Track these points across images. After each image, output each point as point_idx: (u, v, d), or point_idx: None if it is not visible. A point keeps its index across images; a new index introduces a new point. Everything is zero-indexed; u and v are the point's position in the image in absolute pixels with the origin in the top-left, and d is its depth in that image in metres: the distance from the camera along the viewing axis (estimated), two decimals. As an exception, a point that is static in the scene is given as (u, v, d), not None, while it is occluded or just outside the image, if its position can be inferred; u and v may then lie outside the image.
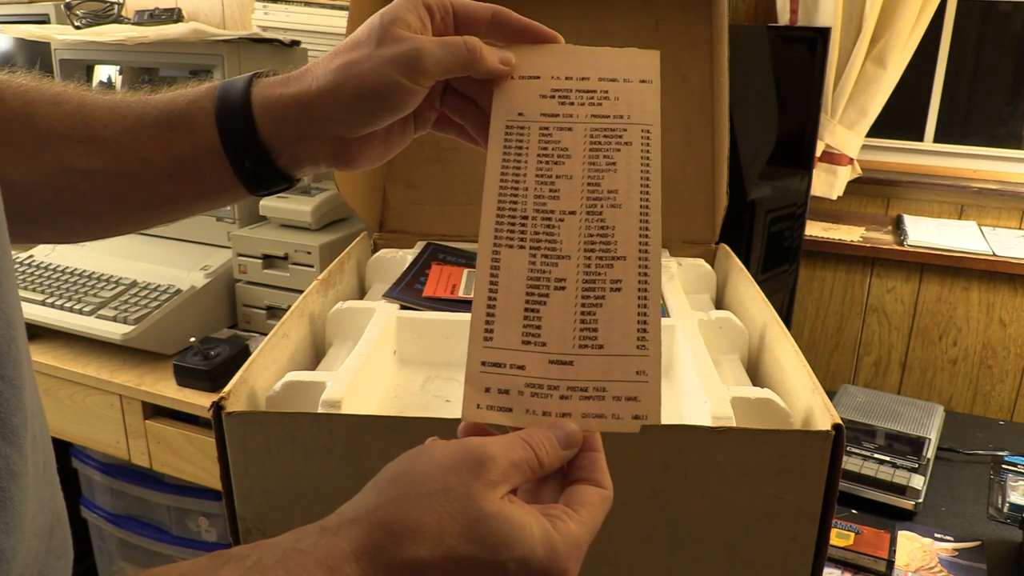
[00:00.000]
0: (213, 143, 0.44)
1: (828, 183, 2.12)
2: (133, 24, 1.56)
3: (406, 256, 0.91)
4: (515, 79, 0.46)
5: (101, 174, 0.45)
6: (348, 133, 0.45)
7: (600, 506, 0.37)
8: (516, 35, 0.47)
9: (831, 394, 1.30)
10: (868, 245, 2.07)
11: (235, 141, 0.44)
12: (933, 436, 1.17)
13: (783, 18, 2.00)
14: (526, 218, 0.43)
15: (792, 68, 1.63)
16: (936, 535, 0.99)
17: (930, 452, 1.13)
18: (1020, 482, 1.11)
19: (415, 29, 0.44)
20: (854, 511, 1.04)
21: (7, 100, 0.45)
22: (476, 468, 0.35)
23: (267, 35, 1.37)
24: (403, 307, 0.79)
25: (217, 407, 0.54)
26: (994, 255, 1.98)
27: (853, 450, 1.11)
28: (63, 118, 0.45)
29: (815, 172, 1.97)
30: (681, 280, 0.87)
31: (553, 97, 0.46)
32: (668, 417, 0.66)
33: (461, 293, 0.83)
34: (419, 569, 0.33)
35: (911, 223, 2.15)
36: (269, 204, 1.31)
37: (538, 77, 0.47)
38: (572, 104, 0.46)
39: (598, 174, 0.44)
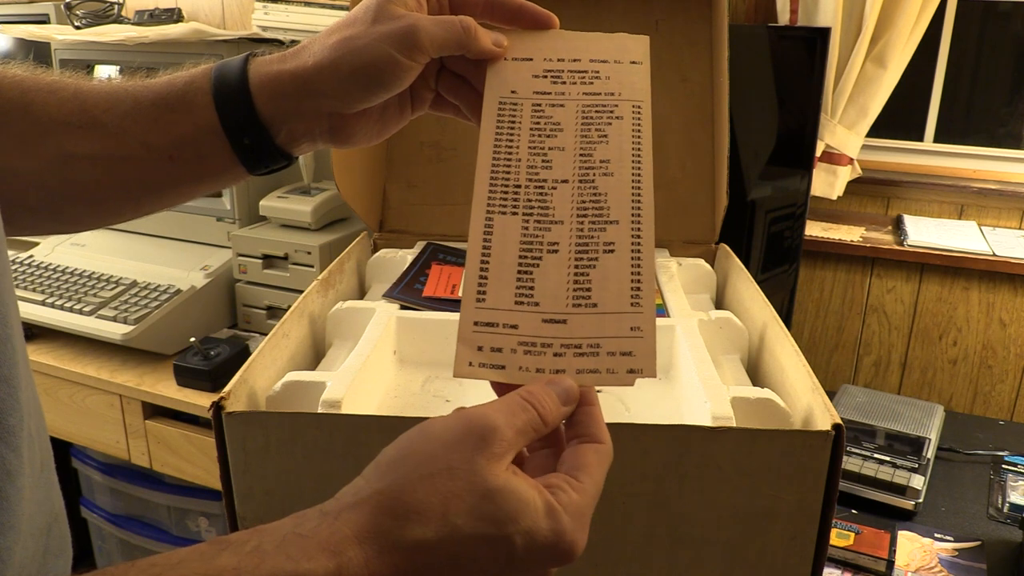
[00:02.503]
0: (212, 122, 0.44)
1: (828, 183, 2.12)
2: (133, 24, 1.56)
3: (406, 256, 0.91)
4: (508, 60, 0.47)
5: (102, 159, 0.45)
6: (344, 108, 0.45)
7: (600, 464, 0.37)
8: (511, 16, 0.48)
9: (831, 394, 1.30)
10: (868, 245, 2.07)
11: (233, 118, 0.44)
12: (933, 436, 1.17)
13: (783, 18, 2.00)
14: (519, 187, 0.44)
15: (792, 68, 1.63)
16: (936, 535, 0.99)
17: (930, 452, 1.13)
18: (1020, 482, 1.11)
19: (411, 8, 0.44)
20: (854, 511, 1.04)
21: (2, 90, 0.45)
22: (479, 443, 0.34)
23: (267, 35, 1.37)
24: (403, 307, 0.79)
25: (217, 407, 0.54)
26: (994, 255, 1.98)
27: (853, 450, 1.11)
28: (60, 105, 0.45)
29: (815, 172, 1.97)
30: (681, 280, 0.87)
31: (545, 77, 0.47)
32: (668, 417, 0.66)
33: (461, 293, 0.83)
34: (425, 550, 0.32)
35: (911, 223, 2.15)
36: (269, 204, 1.31)
37: (531, 59, 0.48)
38: (564, 83, 0.47)
39: (590, 146, 0.45)
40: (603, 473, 0.37)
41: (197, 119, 0.45)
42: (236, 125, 0.44)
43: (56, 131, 0.45)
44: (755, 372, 0.75)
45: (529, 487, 0.34)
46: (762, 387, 0.62)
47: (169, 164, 0.45)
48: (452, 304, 0.81)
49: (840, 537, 0.98)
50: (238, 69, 0.45)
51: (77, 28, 1.47)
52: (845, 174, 2.12)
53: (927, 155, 2.29)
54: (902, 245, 2.05)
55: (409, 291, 0.83)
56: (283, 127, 0.45)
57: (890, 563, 0.94)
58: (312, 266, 1.25)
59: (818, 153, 2.05)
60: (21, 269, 1.37)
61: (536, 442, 0.38)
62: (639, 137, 0.46)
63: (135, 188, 0.47)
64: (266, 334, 0.68)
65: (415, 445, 0.35)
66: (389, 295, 0.82)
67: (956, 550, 0.96)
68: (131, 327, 1.21)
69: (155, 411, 1.25)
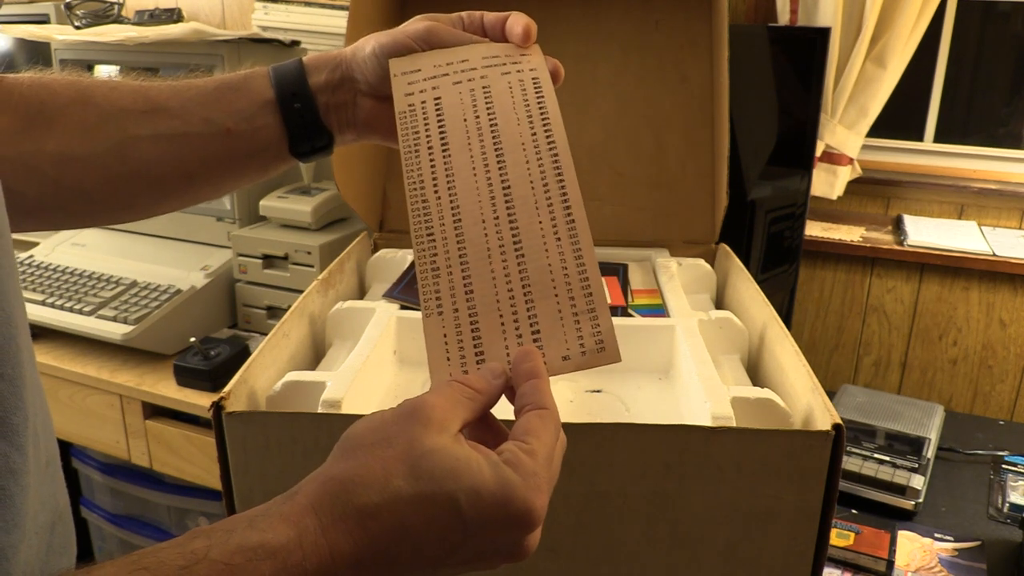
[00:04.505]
0: (268, 95, 0.51)
1: (828, 183, 2.12)
2: (133, 24, 1.56)
3: (406, 256, 0.91)
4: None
5: (164, 137, 0.50)
6: (368, 86, 0.52)
7: (544, 426, 0.38)
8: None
9: (831, 394, 1.30)
10: (868, 245, 2.07)
11: (287, 85, 0.52)
12: (933, 436, 1.17)
13: (783, 18, 2.00)
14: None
15: (792, 68, 1.63)
16: (936, 535, 0.99)
17: (930, 452, 1.13)
18: (1020, 482, 1.11)
19: (440, 21, 0.54)
20: (854, 511, 1.04)
21: (59, 90, 0.49)
22: (413, 414, 0.36)
23: (267, 35, 1.37)
24: (403, 307, 0.79)
25: (217, 407, 0.54)
26: (994, 255, 1.98)
27: (853, 450, 1.11)
28: (123, 96, 0.50)
29: (815, 172, 1.97)
30: (681, 280, 0.87)
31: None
32: (668, 417, 0.66)
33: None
34: (372, 515, 0.34)
35: (911, 223, 2.15)
36: (269, 204, 1.31)
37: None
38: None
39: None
40: (551, 436, 0.38)
41: (254, 95, 0.51)
42: (289, 92, 0.51)
43: (118, 116, 0.49)
44: (755, 372, 0.75)
45: (474, 451, 0.36)
46: (762, 387, 0.62)
47: (226, 137, 0.51)
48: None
49: (840, 537, 0.98)
50: (293, 58, 0.53)
51: (77, 28, 1.47)
52: (845, 174, 2.12)
53: (927, 155, 2.29)
54: (902, 245, 2.05)
55: (409, 291, 0.83)
56: (322, 97, 0.52)
57: (890, 563, 0.94)
58: (312, 266, 1.25)
59: (818, 153, 2.05)
60: (21, 269, 1.37)
61: (488, 436, 0.40)
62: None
63: (192, 163, 0.51)
64: (266, 334, 0.68)
65: (359, 425, 0.38)
66: (389, 295, 0.82)
67: (956, 550, 0.96)
68: (131, 327, 1.21)
69: (155, 411, 1.25)
